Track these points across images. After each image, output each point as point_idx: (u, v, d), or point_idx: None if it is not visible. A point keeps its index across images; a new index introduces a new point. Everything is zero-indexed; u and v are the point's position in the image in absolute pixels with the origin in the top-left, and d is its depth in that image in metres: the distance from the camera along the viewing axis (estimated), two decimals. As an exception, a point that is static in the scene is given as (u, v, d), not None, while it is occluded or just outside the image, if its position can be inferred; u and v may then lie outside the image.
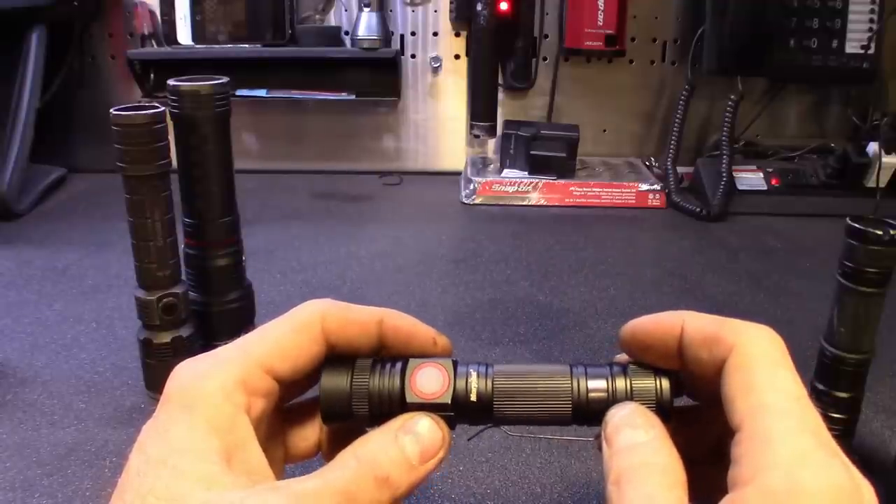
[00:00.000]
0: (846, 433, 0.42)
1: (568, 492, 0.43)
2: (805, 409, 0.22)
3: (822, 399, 0.41)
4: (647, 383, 0.26)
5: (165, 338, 0.50)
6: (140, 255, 0.48)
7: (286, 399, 0.29)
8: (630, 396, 0.26)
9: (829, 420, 0.41)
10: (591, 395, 0.26)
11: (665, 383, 0.26)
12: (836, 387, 0.41)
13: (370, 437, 0.25)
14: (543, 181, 0.98)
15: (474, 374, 0.27)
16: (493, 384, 0.26)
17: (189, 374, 0.25)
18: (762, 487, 0.20)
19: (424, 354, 0.28)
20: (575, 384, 0.26)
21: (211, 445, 0.23)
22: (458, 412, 0.26)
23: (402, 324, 0.28)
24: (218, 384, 0.24)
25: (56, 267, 0.76)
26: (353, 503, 0.23)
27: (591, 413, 0.26)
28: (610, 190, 0.98)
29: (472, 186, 0.99)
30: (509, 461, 0.45)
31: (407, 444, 0.25)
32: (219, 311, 0.54)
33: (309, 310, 0.27)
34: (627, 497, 0.22)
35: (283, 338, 0.26)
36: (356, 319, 0.27)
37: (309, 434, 0.30)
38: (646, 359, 0.27)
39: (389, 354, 0.28)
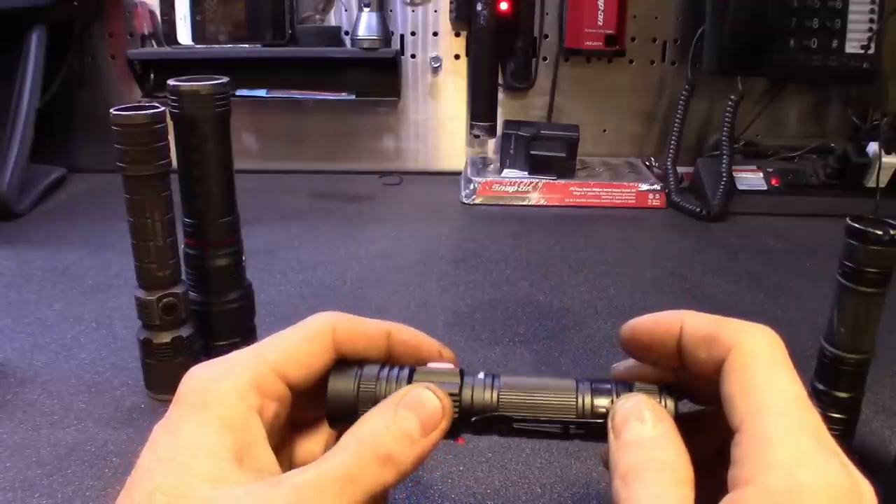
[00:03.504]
0: (846, 433, 0.42)
1: (568, 492, 0.43)
2: (804, 409, 0.22)
3: (822, 399, 0.41)
4: None
5: (165, 338, 0.50)
6: (140, 255, 0.48)
7: (294, 410, 0.29)
8: None
9: (829, 420, 0.41)
10: (596, 411, 0.26)
11: (670, 402, 0.26)
12: (836, 387, 0.41)
13: (369, 415, 0.25)
14: (543, 181, 0.98)
15: (481, 383, 0.27)
16: (498, 395, 0.26)
17: (202, 377, 0.25)
18: (762, 487, 0.20)
19: None
20: (580, 399, 0.26)
21: (223, 443, 0.23)
22: (462, 418, 0.26)
23: (409, 337, 0.29)
24: (232, 385, 0.25)
25: (56, 267, 0.76)
26: (356, 485, 0.23)
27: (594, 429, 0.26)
28: (610, 190, 0.98)
29: (472, 186, 0.99)
30: (509, 461, 0.45)
31: (407, 418, 0.25)
32: (219, 311, 0.54)
33: (320, 320, 0.28)
34: (635, 495, 0.22)
35: (295, 345, 0.27)
36: (365, 331, 0.28)
37: (315, 446, 0.30)
38: (645, 359, 0.27)
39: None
